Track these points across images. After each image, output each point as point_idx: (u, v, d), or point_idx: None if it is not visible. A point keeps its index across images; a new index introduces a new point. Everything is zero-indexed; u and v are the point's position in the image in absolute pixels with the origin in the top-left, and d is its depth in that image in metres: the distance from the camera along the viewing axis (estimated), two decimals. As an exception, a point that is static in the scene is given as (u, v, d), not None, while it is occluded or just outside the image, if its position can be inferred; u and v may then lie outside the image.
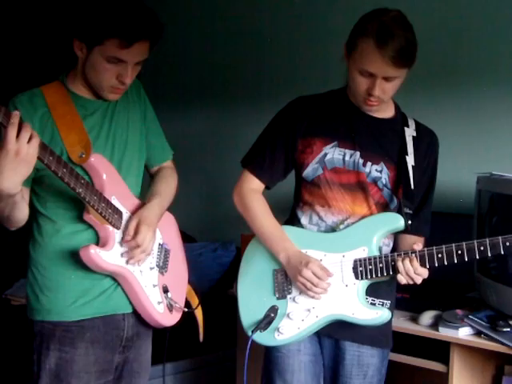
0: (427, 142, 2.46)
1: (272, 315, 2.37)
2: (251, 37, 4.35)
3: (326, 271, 2.33)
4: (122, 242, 2.24)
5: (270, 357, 2.46)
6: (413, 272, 2.25)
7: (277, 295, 2.41)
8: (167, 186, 2.45)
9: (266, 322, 2.36)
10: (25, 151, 1.91)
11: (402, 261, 2.25)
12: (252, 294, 2.45)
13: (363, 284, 2.35)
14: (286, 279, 2.40)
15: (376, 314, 2.33)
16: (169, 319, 2.38)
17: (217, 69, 4.53)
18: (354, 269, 2.34)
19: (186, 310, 2.46)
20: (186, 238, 4.51)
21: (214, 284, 4.14)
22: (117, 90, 2.21)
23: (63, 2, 3.89)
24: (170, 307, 2.38)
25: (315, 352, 2.44)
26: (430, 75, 3.54)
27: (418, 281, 2.27)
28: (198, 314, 2.54)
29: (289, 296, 2.39)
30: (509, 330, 2.59)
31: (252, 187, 2.46)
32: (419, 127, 2.47)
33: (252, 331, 2.34)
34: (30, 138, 1.92)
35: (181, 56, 4.75)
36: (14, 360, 3.33)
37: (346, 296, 2.34)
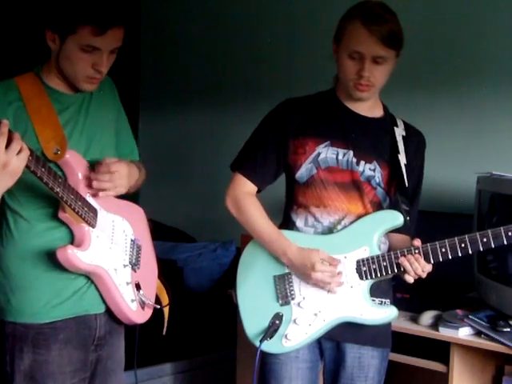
0: (416, 142, 2.47)
1: (277, 322, 2.33)
2: (250, 37, 4.35)
3: (333, 261, 2.31)
4: (94, 172, 2.14)
5: (267, 363, 2.42)
6: (421, 270, 2.26)
7: (280, 302, 2.37)
8: (134, 166, 2.35)
9: (272, 330, 2.32)
10: (13, 163, 1.85)
11: (409, 261, 2.26)
12: (254, 303, 2.40)
13: (368, 284, 2.34)
14: (289, 285, 2.37)
15: (385, 312, 2.33)
16: (141, 316, 2.33)
17: (216, 69, 4.52)
18: (358, 269, 2.33)
19: (158, 306, 2.40)
20: (186, 238, 4.54)
21: (214, 284, 4.14)
22: (93, 79, 2.16)
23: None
24: (143, 304, 2.32)
25: (313, 358, 2.42)
26: (429, 75, 3.54)
27: (424, 276, 2.28)
28: (165, 309, 2.48)
29: (293, 301, 2.36)
30: (509, 330, 2.59)
31: (246, 190, 2.42)
32: (408, 127, 2.48)
33: (260, 341, 2.30)
34: (19, 150, 1.86)
35: (180, 56, 4.75)
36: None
37: (352, 297, 2.33)
